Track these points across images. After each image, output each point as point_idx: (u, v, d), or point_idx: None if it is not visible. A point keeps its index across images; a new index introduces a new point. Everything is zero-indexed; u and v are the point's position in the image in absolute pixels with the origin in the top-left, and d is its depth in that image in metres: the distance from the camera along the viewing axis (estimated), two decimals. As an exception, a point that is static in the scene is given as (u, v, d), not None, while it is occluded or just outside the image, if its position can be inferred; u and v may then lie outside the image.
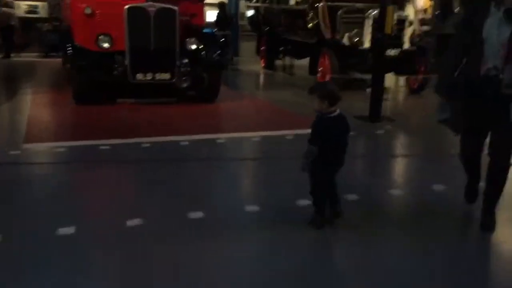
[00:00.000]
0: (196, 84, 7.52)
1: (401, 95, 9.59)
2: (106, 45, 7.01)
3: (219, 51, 7.65)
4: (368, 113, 6.83)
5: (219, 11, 12.25)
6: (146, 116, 6.71)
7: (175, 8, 7.17)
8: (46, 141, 5.39)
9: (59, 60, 10.54)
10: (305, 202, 3.64)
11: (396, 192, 4.21)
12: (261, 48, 12.22)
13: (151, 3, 7.05)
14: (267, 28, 11.75)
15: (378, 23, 6.50)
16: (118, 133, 5.78)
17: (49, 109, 7.10)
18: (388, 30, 6.42)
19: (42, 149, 5.16)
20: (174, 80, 7.28)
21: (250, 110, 7.59)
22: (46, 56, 13.05)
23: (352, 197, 3.93)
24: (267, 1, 11.98)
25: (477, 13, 3.28)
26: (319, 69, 9.08)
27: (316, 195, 3.38)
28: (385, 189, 4.23)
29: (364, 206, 3.86)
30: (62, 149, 5.08)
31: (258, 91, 9.53)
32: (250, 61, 12.86)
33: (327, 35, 8.94)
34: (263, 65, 12.12)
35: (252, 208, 3.72)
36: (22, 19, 14.35)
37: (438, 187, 4.23)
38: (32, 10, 14.34)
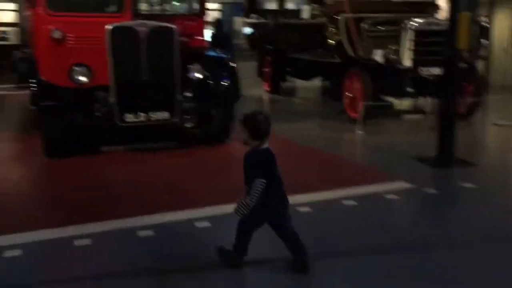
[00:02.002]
0: (203, 122, 5.67)
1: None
2: (83, 79, 5.09)
3: (229, 79, 5.79)
4: (430, 152, 5.06)
5: (215, 29, 10.39)
6: (140, 173, 4.78)
7: (173, 26, 5.31)
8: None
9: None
10: None
11: None
12: (264, 70, 10.40)
13: (141, 21, 5.17)
14: (272, 47, 9.94)
15: (449, 36, 4.71)
16: (102, 210, 3.84)
17: (7, 168, 5.11)
18: (462, 44, 4.65)
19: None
20: (174, 119, 5.40)
21: (276, 155, 5.62)
22: (18, 88, 11.04)
23: None
24: (269, 17, 10.17)
25: None
26: (346, 94, 7.29)
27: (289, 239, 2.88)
28: None
29: None
30: (15, 252, 3.12)
31: (274, 124, 7.56)
32: (250, 84, 10.98)
33: (351, 52, 7.18)
34: (267, 89, 10.28)
35: None
36: (-10, 47, 12.39)
37: None
38: (2, 36, 12.34)
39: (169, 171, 4.88)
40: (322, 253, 3.10)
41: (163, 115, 5.33)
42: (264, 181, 2.70)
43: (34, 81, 5.11)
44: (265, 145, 2.79)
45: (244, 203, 2.73)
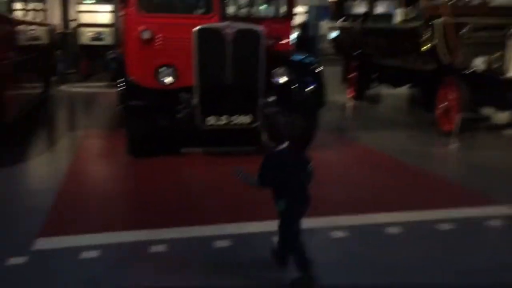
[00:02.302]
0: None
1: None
2: (168, 80, 5.08)
3: (314, 84, 5.52)
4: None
5: (300, 32, 10.17)
6: (220, 178, 4.65)
7: (259, 29, 5.15)
8: (73, 232, 3.39)
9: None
10: None
11: None
12: (349, 76, 9.99)
13: (228, 23, 5.06)
14: (358, 52, 9.52)
15: None
16: (181, 215, 3.74)
17: (93, 166, 5.22)
18: None
19: (61, 254, 3.10)
20: (255, 124, 5.24)
21: (364, 167, 5.23)
22: (109, 86, 11.54)
23: None
24: (357, 21, 9.75)
25: None
26: (439, 104, 6.73)
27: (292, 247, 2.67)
28: None
29: None
30: (92, 253, 3.09)
31: (361, 133, 7.14)
32: (333, 90, 10.62)
33: (448, 59, 6.61)
34: (351, 95, 9.87)
35: None
36: (87, 47, 13.07)
37: None
38: (97, 37, 12.97)
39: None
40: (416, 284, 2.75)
41: (245, 119, 5.19)
42: (261, 180, 2.62)
43: (122, 81, 5.18)
44: (283, 147, 2.62)
45: (246, 176, 2.69)
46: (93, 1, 13.75)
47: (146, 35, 5.01)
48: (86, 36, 12.90)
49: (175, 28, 5.11)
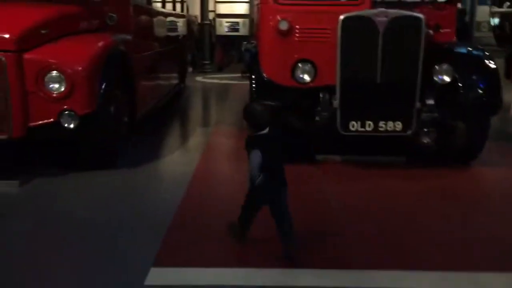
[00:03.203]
0: (443, 137, 4.43)
1: None
2: (307, 77, 4.35)
3: (486, 83, 4.37)
4: None
5: (457, 20, 8.74)
6: (367, 196, 3.83)
7: (421, 16, 4.16)
8: (192, 262, 2.78)
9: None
10: None
11: None
12: (515, 70, 8.34)
13: (380, 9, 4.15)
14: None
15: None
16: (320, 250, 2.97)
17: (220, 171, 4.68)
18: None
19: None
20: (409, 132, 4.29)
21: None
22: (242, 77, 11.26)
23: None
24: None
25: None
26: None
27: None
28: None
29: None
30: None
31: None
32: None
33: None
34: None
35: None
36: (222, 38, 12.98)
37: None
38: (233, 27, 12.78)
39: (399, 199, 3.80)
40: None
41: (396, 125, 4.26)
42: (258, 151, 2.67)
43: (254, 77, 4.58)
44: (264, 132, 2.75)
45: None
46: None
47: (283, 26, 4.32)
48: (223, 26, 12.78)
49: (316, 17, 4.34)
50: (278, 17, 4.31)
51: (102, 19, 4.92)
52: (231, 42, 13.08)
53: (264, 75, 4.46)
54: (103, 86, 4.12)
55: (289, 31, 4.32)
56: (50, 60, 3.87)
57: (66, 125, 3.94)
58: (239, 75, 11.45)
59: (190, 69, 11.00)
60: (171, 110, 7.48)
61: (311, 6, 4.37)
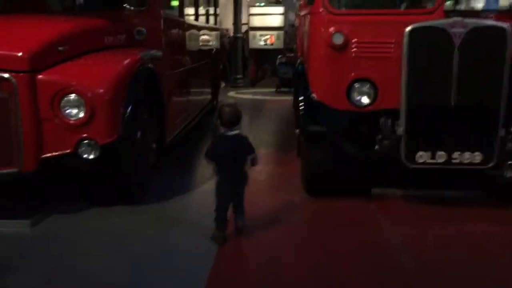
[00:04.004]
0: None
1: None
2: (365, 100, 3.66)
3: None
4: None
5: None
6: (442, 245, 3.10)
7: (505, 26, 3.41)
8: None
9: (290, 98, 7.62)
10: None
11: None
12: None
13: (457, 18, 3.42)
14: None
15: None
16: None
17: (261, 203, 4.01)
18: None
19: None
20: (490, 164, 3.52)
21: None
22: (277, 92, 10.62)
23: None
24: None
25: None
26: None
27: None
28: None
29: None
30: None
31: None
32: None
33: None
34: None
35: None
36: (255, 51, 12.43)
37: None
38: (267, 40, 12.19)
39: (494, 252, 3.05)
40: None
41: (474, 157, 3.51)
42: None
43: (302, 99, 3.91)
44: (232, 133, 3.13)
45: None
46: (263, 4, 13.06)
47: (338, 40, 3.63)
48: (257, 39, 12.21)
49: (377, 29, 3.64)
50: (332, 29, 3.62)
51: (129, 34, 4.38)
52: (264, 55, 12.51)
53: (314, 96, 3.78)
54: (128, 110, 3.54)
55: (345, 46, 3.62)
56: (67, 82, 3.30)
57: (85, 156, 3.36)
58: (273, 90, 10.85)
59: (222, 84, 10.43)
60: (203, 130, 6.87)
61: (371, 16, 3.68)
